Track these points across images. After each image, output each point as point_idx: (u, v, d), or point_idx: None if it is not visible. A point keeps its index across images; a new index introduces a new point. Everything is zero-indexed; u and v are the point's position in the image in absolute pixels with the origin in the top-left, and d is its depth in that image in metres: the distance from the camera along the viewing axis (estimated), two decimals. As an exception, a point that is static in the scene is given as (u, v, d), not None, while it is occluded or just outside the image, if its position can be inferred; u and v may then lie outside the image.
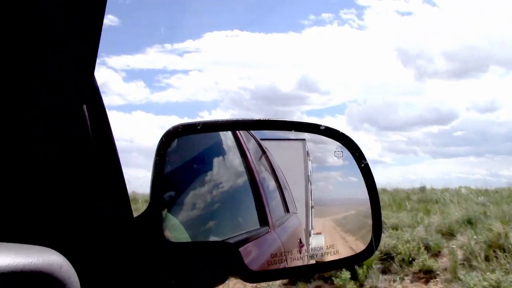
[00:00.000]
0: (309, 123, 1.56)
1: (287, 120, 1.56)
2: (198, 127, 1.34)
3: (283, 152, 2.27)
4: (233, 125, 1.60)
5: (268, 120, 1.53)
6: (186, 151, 1.54)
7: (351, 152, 1.63)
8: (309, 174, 2.59)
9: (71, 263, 0.74)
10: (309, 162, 2.54)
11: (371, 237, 1.53)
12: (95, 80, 0.95)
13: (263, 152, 2.19)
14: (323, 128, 1.56)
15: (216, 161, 1.79)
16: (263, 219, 1.85)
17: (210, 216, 1.62)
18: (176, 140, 1.30)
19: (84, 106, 0.95)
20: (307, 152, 2.50)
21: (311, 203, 2.61)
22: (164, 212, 1.37)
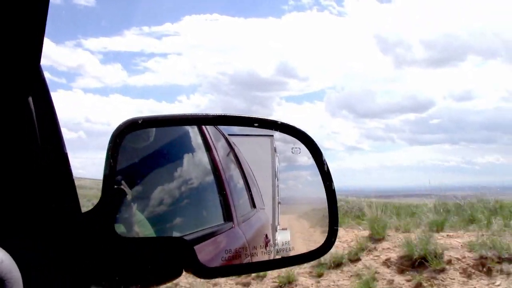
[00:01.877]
0: (267, 120, 1.56)
1: (245, 116, 1.55)
2: (154, 122, 1.33)
3: (251, 148, 2.27)
4: (190, 120, 1.59)
5: (226, 115, 1.53)
6: (146, 145, 1.53)
7: (306, 147, 1.64)
8: (276, 170, 2.60)
9: (14, 258, 0.73)
10: (276, 158, 2.55)
11: (328, 232, 1.55)
12: (42, 71, 0.93)
13: (231, 147, 2.19)
14: (279, 123, 1.56)
15: (181, 155, 1.78)
16: (228, 215, 1.85)
17: (174, 212, 1.61)
18: (132, 134, 1.29)
19: (30, 99, 0.93)
20: (275, 148, 2.51)
21: (278, 198, 2.62)
22: (133, 207, 1.36)
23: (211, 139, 1.96)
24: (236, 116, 1.54)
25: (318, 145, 1.64)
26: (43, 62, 0.89)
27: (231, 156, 2.18)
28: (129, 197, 1.27)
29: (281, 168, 2.41)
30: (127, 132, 1.22)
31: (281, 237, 2.52)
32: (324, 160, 1.61)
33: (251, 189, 2.23)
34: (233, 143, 2.24)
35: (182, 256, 1.16)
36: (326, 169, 1.60)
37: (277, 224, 2.63)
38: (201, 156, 1.86)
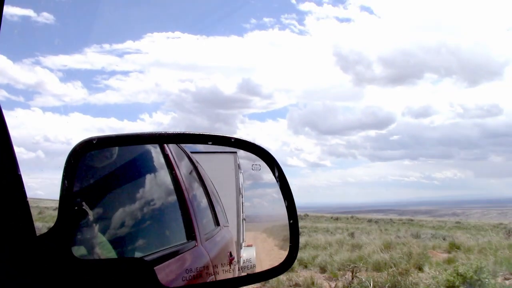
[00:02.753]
0: (222, 136, 1.56)
1: (200, 133, 1.55)
2: (109, 141, 1.31)
3: (215, 166, 2.27)
4: (144, 139, 1.57)
5: (179, 133, 1.53)
6: (107, 164, 1.50)
7: (265, 162, 1.65)
8: (241, 187, 2.61)
9: None
10: (241, 175, 2.55)
11: (289, 248, 1.55)
12: None
13: (194, 165, 2.17)
14: (233, 140, 1.57)
15: (143, 174, 1.75)
16: (190, 234, 1.81)
17: (136, 232, 1.57)
18: (91, 153, 1.26)
19: None
20: (239, 165, 2.51)
21: (243, 215, 2.62)
22: (95, 229, 1.32)
23: (174, 157, 1.94)
24: (190, 133, 1.53)
25: (277, 160, 1.64)
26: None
27: (194, 174, 2.16)
28: (90, 218, 1.24)
29: (246, 186, 2.41)
30: (82, 153, 1.19)
31: (246, 254, 2.51)
32: (283, 174, 1.61)
33: (215, 207, 2.21)
34: (196, 161, 2.22)
35: (142, 277, 1.13)
36: (285, 184, 1.61)
37: (242, 241, 2.62)
38: (164, 175, 1.84)
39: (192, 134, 1.52)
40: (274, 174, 1.62)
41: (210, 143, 1.50)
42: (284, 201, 1.59)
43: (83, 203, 1.18)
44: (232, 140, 1.55)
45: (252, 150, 1.63)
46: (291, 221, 1.58)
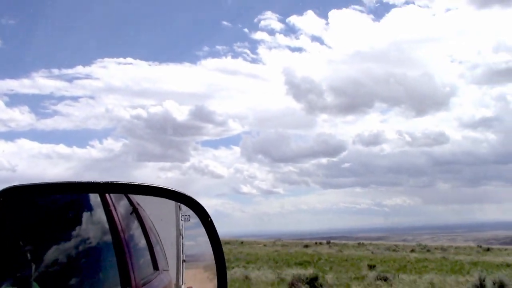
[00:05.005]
0: (156, 187, 1.60)
1: (129, 183, 1.59)
2: (30, 191, 1.32)
3: (156, 207, 2.25)
4: (71, 188, 1.59)
5: (109, 183, 1.56)
6: (43, 201, 1.51)
7: (194, 211, 1.71)
8: (181, 228, 2.60)
9: None
10: (185, 216, 2.54)
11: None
12: None
13: (134, 207, 2.16)
14: (168, 191, 1.61)
15: (80, 214, 1.74)
16: (125, 279, 1.80)
17: (68, 274, 1.57)
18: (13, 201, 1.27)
19: None
20: (180, 206, 2.51)
21: (183, 256, 2.60)
22: (25, 269, 1.30)
23: (111, 198, 1.94)
24: (119, 183, 1.57)
25: (207, 210, 1.70)
26: None
27: (134, 215, 2.15)
28: (22, 258, 1.24)
29: (190, 225, 2.40)
30: (3, 201, 1.21)
31: (185, 298, 2.48)
32: (214, 228, 1.66)
33: (155, 250, 2.20)
34: (137, 202, 2.21)
35: None
36: (215, 234, 1.66)
37: (181, 283, 2.59)
38: (100, 214, 1.83)
39: (120, 183, 1.55)
40: (204, 226, 1.66)
41: (137, 193, 1.54)
42: (213, 250, 1.63)
43: (20, 243, 1.19)
44: (168, 190, 1.59)
45: (183, 201, 1.67)
46: (219, 266, 1.62)
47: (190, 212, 2.13)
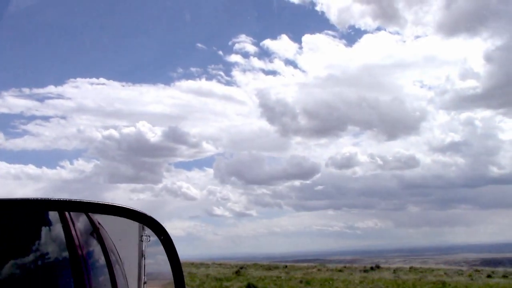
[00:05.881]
0: (115, 206, 1.60)
1: (95, 202, 1.58)
2: None
3: (118, 227, 2.23)
4: (27, 205, 1.59)
5: (71, 201, 1.56)
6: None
7: (154, 231, 1.71)
8: (144, 248, 2.57)
9: None
10: (145, 237, 2.52)
11: None
12: None
13: (95, 226, 2.13)
14: (127, 210, 1.62)
15: (36, 233, 1.72)
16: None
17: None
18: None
19: None
20: (143, 227, 2.48)
21: (144, 278, 2.57)
22: None
23: (70, 216, 1.91)
24: (79, 201, 1.57)
25: (165, 228, 1.71)
26: None
27: (94, 234, 2.12)
28: None
29: (151, 243, 2.38)
30: None
31: (144, 321, 2.44)
32: (172, 243, 1.66)
33: (114, 270, 2.16)
34: (98, 221, 2.18)
35: None
36: (174, 254, 1.66)
37: (142, 305, 2.55)
38: (59, 230, 1.81)
39: (79, 202, 1.55)
40: (164, 246, 1.67)
41: (95, 211, 1.53)
42: (172, 270, 1.63)
43: None
44: (121, 209, 1.59)
45: (143, 220, 1.67)
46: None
47: (151, 232, 2.13)
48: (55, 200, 1.59)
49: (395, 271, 26.13)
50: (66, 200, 1.64)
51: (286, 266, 28.07)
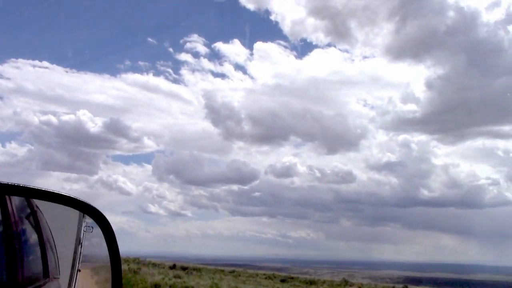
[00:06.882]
0: (57, 193, 1.61)
1: (38, 188, 1.58)
2: None
3: (57, 213, 2.20)
4: None
5: (14, 185, 1.55)
6: None
7: (96, 222, 1.73)
8: (82, 236, 2.56)
9: None
10: (84, 223, 2.51)
11: None
12: None
13: (32, 210, 2.10)
14: (70, 198, 1.62)
15: None
16: (13, 281, 1.75)
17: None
18: None
19: None
20: (83, 215, 2.47)
21: (78, 266, 2.55)
22: None
23: (10, 198, 1.89)
24: (22, 186, 1.57)
25: (110, 223, 1.72)
26: None
27: (31, 219, 2.09)
28: None
29: (91, 235, 2.37)
30: None
31: (75, 308, 2.43)
32: (116, 243, 1.69)
33: (48, 256, 2.14)
34: (37, 205, 2.16)
35: None
36: (115, 247, 1.68)
37: (73, 293, 2.53)
38: None
39: (22, 186, 1.54)
40: (105, 238, 1.69)
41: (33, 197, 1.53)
42: (110, 262, 1.65)
43: None
44: (63, 197, 1.59)
45: (85, 210, 1.68)
46: (115, 284, 1.64)
47: (94, 224, 2.13)
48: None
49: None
50: (7, 184, 1.62)
51: (194, 269, 27.76)
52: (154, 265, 26.97)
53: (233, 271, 27.03)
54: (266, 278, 25.88)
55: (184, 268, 27.39)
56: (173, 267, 27.35)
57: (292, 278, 28.75)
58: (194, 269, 28.09)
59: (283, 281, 26.94)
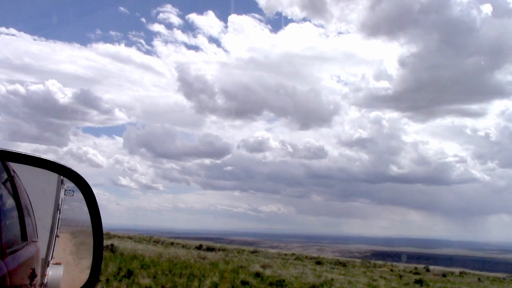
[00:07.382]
0: (34, 156, 1.58)
1: (14, 151, 1.55)
2: None
3: (35, 178, 2.16)
4: None
5: None
6: None
7: (76, 184, 1.71)
8: (60, 202, 2.52)
9: None
10: (62, 190, 2.47)
11: (91, 268, 1.61)
12: None
13: (10, 174, 2.05)
14: (47, 161, 1.60)
15: None
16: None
17: None
18: None
19: None
20: (62, 180, 2.43)
21: (57, 231, 2.52)
22: None
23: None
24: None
25: (91, 187, 1.71)
26: None
27: (9, 184, 2.05)
28: None
29: (71, 199, 2.33)
30: None
31: (53, 273, 2.41)
32: (94, 197, 1.67)
33: (26, 221, 2.10)
34: (13, 170, 2.11)
35: None
36: (95, 209, 1.67)
37: (50, 258, 2.50)
38: None
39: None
40: (87, 203, 1.67)
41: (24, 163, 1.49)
42: (92, 226, 1.64)
43: None
44: (40, 160, 1.56)
45: (64, 173, 1.66)
46: (97, 243, 1.63)
47: (75, 188, 2.09)
48: None
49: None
50: None
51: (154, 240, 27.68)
52: (130, 238, 26.86)
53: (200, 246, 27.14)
54: (238, 252, 26.05)
55: (156, 242, 27.44)
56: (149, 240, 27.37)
57: (259, 251, 29.08)
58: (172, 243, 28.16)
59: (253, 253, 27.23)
